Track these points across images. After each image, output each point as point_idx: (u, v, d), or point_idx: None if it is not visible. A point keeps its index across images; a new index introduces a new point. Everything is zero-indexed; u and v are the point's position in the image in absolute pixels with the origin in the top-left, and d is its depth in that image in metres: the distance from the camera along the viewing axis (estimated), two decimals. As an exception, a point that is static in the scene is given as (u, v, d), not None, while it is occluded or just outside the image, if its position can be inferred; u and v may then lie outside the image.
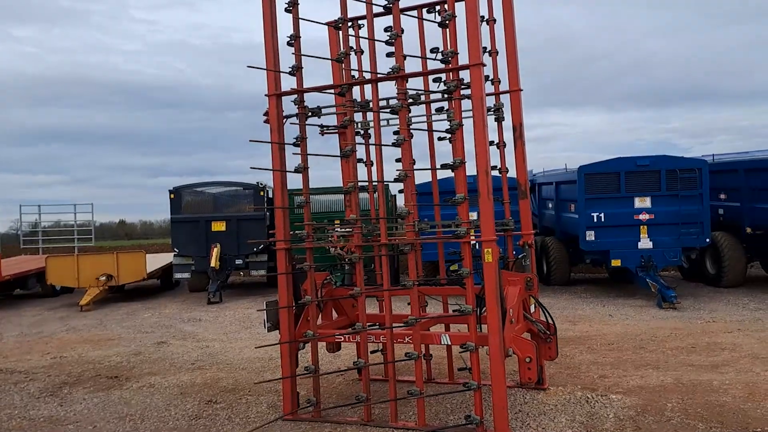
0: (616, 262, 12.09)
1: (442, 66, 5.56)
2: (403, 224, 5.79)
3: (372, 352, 7.11)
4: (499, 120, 6.57)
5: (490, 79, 6.66)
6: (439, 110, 6.68)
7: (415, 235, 5.56)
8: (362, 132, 7.01)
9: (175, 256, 16.62)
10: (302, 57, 5.99)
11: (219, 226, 16.39)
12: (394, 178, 5.73)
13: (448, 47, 5.65)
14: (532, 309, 6.35)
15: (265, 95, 6.06)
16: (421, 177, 7.08)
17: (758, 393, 5.98)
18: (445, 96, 5.89)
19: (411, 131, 5.90)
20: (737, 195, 13.08)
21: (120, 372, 8.30)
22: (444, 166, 5.53)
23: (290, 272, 6.05)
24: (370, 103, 6.06)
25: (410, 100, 5.82)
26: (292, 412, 5.93)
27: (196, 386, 7.38)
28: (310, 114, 6.16)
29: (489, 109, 6.45)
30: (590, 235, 12.06)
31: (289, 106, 6.17)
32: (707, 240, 12.08)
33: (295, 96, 6.05)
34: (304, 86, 5.97)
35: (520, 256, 6.35)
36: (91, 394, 7.26)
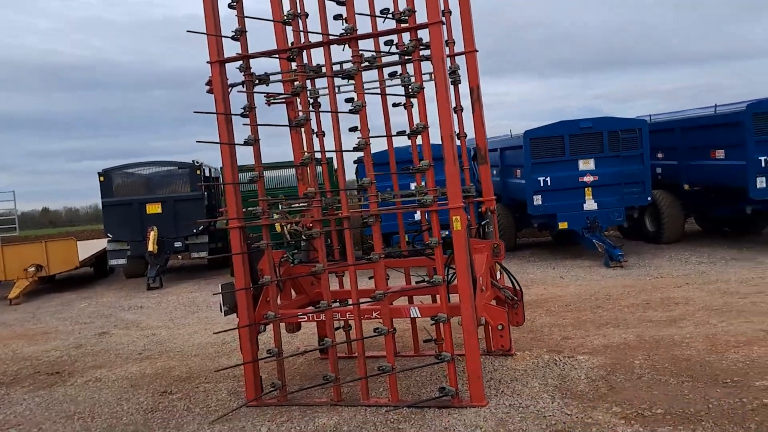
0: (563, 225, 12.21)
1: (398, 26, 5.28)
2: (361, 197, 5.52)
3: (336, 328, 6.90)
4: (456, 83, 6.34)
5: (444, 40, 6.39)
6: (393, 75, 6.41)
7: (378, 205, 5.31)
8: (311, 101, 6.66)
9: (109, 241, 15.79)
10: (246, 20, 5.58)
11: (154, 208, 15.64)
12: (354, 147, 5.44)
13: (405, 5, 5.34)
14: (498, 275, 6.25)
15: (207, 62, 5.62)
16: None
17: (719, 345, 6.09)
18: (404, 58, 5.62)
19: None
20: (674, 153, 13.41)
21: (61, 367, 7.76)
22: (411, 132, 5.28)
23: (246, 252, 5.70)
24: (322, 68, 5.73)
25: (366, 64, 5.52)
26: (256, 397, 5.63)
27: (147, 377, 6.95)
28: (257, 81, 5.77)
29: (455, 71, 6.21)
30: (537, 200, 12.12)
31: (233, 74, 5.77)
32: (648, 198, 12.35)
33: (241, 62, 5.64)
34: (249, 52, 5.56)
35: (483, 223, 6.20)
36: (32, 393, 6.73)
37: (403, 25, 5.28)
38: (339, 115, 5.31)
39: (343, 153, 5.42)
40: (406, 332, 7.05)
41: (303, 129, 5.59)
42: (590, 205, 12.23)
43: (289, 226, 6.37)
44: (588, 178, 12.18)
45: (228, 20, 5.64)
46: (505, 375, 5.78)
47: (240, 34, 5.57)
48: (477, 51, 6.32)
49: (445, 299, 5.18)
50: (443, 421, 4.86)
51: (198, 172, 15.86)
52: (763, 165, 10.79)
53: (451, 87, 6.44)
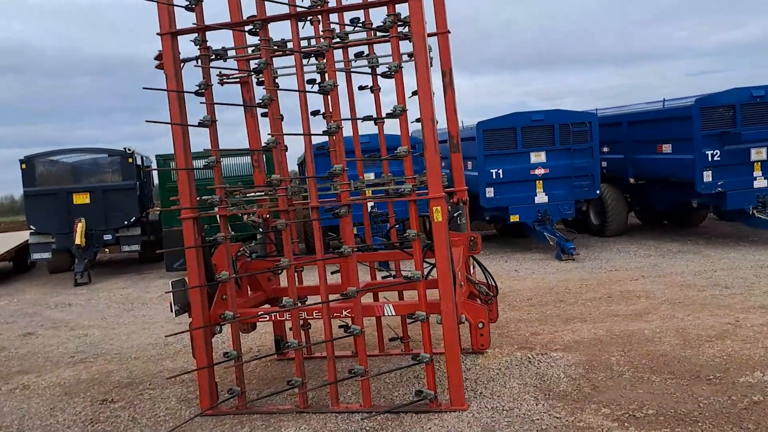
0: (514, 218, 12.08)
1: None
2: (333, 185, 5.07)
3: (291, 329, 6.42)
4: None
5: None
6: (359, 55, 5.97)
7: (350, 195, 4.88)
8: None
9: (31, 234, 14.61)
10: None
11: (82, 199, 14.57)
12: (324, 131, 4.98)
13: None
14: (471, 269, 5.93)
15: (158, 34, 5.02)
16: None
17: (691, 339, 5.99)
18: (377, 36, 5.20)
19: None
20: (620, 147, 13.53)
21: (-19, 375, 6.94)
22: (389, 115, 4.86)
23: (200, 245, 5.14)
24: (288, 44, 5.24)
25: (336, 40, 5.06)
26: (212, 406, 5.10)
27: (82, 383, 6.28)
28: (214, 56, 5.21)
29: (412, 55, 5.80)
30: (490, 192, 11.94)
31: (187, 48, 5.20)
32: (597, 192, 12.39)
33: (196, 35, 5.07)
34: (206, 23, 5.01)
35: (455, 214, 5.86)
36: (-53, 406, 5.94)
37: (379, -2, 4.84)
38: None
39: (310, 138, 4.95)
40: (367, 329, 6.64)
41: (268, 110, 5.05)
42: (541, 198, 12.15)
43: (245, 217, 5.85)
44: (539, 171, 12.09)
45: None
46: (480, 375, 5.47)
47: (195, 4, 5.00)
48: (449, 32, 5.96)
49: (424, 296, 4.80)
50: (423, 427, 4.50)
51: (130, 160, 14.89)
52: (710, 159, 10.96)
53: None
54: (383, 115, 6.11)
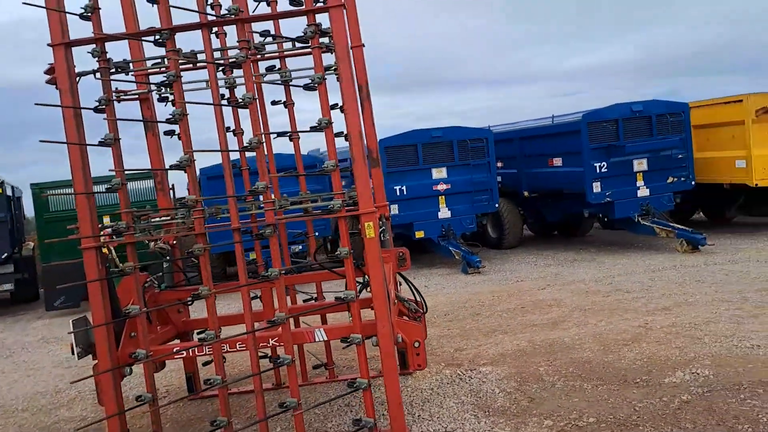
0: (419, 234, 12.12)
1: (293, 9, 4.59)
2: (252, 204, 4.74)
3: (204, 364, 5.95)
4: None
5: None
6: (271, 68, 5.70)
7: (277, 213, 4.56)
8: (170, 97, 5.73)
9: None
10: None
11: (-56, 234, 13.04)
12: (243, 147, 4.66)
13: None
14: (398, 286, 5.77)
15: (49, 45, 4.49)
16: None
17: (609, 344, 6.15)
18: (295, 45, 4.96)
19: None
20: (514, 162, 14.01)
21: None
22: (312, 129, 4.60)
23: (104, 278, 4.61)
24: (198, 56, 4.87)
25: (253, 51, 4.76)
26: (125, 457, 4.54)
27: (-40, 447, 5.45)
28: (114, 69, 4.73)
29: (330, 68, 5.60)
30: (394, 209, 11.89)
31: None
32: (496, 205, 12.71)
33: (94, 46, 4.58)
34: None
35: (380, 231, 5.67)
36: None
37: (299, 7, 4.60)
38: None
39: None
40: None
41: (179, 126, 4.63)
42: (444, 213, 12.28)
43: (152, 244, 5.35)
44: (441, 186, 12.23)
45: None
46: (414, 397, 5.30)
47: (93, 11, 4.52)
48: (364, 45, 5.82)
49: (358, 317, 4.56)
50: (366, 458, 4.23)
51: (0, 191, 13.52)
52: (598, 171, 11.56)
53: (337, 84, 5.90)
54: (298, 129, 5.89)
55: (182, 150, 5.81)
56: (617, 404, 4.65)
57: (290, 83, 5.67)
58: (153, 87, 5.57)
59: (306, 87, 4.78)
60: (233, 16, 4.52)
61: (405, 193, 11.95)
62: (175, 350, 4.85)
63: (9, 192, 14.30)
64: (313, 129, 4.76)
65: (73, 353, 4.65)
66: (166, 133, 5.81)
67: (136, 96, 5.70)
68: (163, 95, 5.71)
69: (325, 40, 4.83)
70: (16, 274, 13.73)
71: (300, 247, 13.51)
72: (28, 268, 15.01)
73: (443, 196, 12.22)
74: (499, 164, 14.34)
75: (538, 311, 7.83)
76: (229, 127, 5.15)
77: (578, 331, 6.72)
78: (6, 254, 13.34)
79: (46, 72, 4.83)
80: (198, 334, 6.14)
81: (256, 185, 4.53)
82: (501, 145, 13.95)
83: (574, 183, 12.03)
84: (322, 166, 4.55)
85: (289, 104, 5.89)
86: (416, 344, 4.82)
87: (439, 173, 12.20)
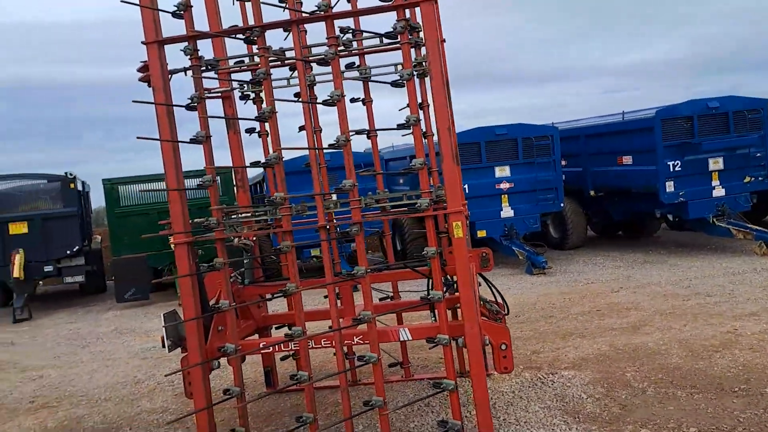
0: (481, 233, 11.95)
1: (383, 4, 4.54)
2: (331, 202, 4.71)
3: (282, 359, 5.99)
4: (424, 76, 5.70)
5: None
6: (350, 66, 5.67)
7: (361, 212, 4.53)
8: (252, 95, 5.78)
9: (-38, 268, 13.42)
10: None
11: (19, 228, 13.55)
12: (329, 144, 4.64)
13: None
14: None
15: (143, 42, 4.56)
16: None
17: (698, 350, 5.90)
18: (383, 42, 4.92)
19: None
20: (578, 160, 13.68)
21: (-75, 429, 6.13)
22: (400, 126, 4.57)
23: (195, 273, 4.67)
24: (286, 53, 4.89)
25: (341, 47, 4.73)
26: (213, 451, 4.59)
27: (50, 433, 5.62)
28: (206, 67, 4.79)
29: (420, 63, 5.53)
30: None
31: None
32: (561, 204, 12.44)
33: (186, 44, 4.63)
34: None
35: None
36: None
37: (388, 3, 4.55)
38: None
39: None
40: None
41: (269, 123, 4.64)
42: (507, 212, 12.09)
43: (236, 240, 5.40)
44: (504, 185, 12.04)
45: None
46: (496, 399, 5.19)
47: (184, 10, 4.57)
48: (445, 41, 5.73)
49: (445, 318, 4.49)
50: (455, 461, 4.16)
51: (72, 186, 13.98)
52: (671, 169, 11.17)
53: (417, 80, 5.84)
54: (379, 126, 5.88)
55: (263, 148, 5.93)
56: (718, 414, 4.44)
57: (370, 80, 5.63)
58: (235, 85, 5.61)
59: (394, 84, 4.74)
60: (322, 13, 4.50)
61: (467, 191, 11.74)
62: (261, 345, 4.87)
63: (80, 187, 14.79)
64: (401, 126, 4.72)
65: (163, 346, 4.72)
66: (248, 130, 5.90)
67: (219, 94, 5.76)
68: (245, 93, 5.78)
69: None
70: (87, 266, 14.19)
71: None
72: (97, 261, 15.53)
73: (506, 195, 12.03)
74: (563, 162, 14.04)
75: (616, 314, 7.60)
76: (302, 127, 5.19)
77: (662, 336, 6.48)
78: (77, 247, 13.77)
79: (139, 70, 4.91)
80: (276, 329, 6.21)
81: (342, 183, 4.51)
82: (565, 143, 13.64)
83: (645, 182, 11.65)
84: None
85: (367, 102, 5.87)
86: (503, 347, 4.71)
87: (501, 171, 12.01)
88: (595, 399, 4.96)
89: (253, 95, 5.79)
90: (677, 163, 11.19)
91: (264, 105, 4.60)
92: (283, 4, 4.56)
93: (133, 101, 4.38)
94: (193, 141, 4.65)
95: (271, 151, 4.60)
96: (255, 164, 5.35)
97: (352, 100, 5.89)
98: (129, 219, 13.33)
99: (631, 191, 12.43)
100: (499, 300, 5.53)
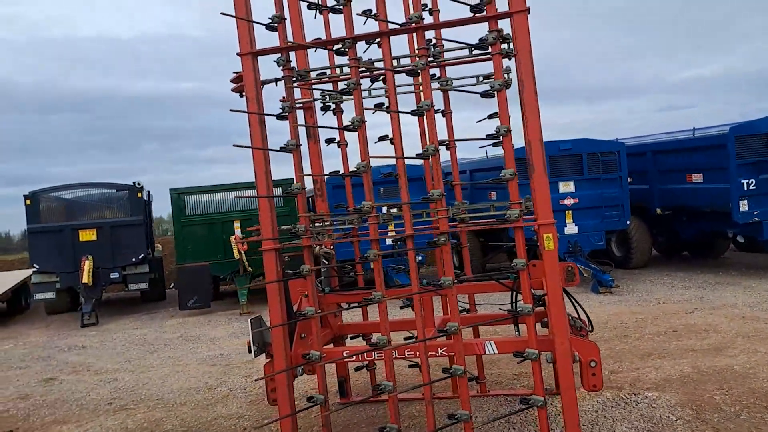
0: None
1: (475, 15, 4.55)
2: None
3: (356, 370, 5.98)
4: (507, 87, 5.67)
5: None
6: (431, 77, 5.67)
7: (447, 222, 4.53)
8: (332, 106, 5.84)
9: (34, 273, 13.95)
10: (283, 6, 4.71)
11: (88, 235, 14.04)
12: (417, 154, 4.66)
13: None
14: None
15: (238, 54, 4.68)
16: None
17: (790, 374, 5.65)
18: (473, 53, 4.92)
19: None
20: (644, 177, 13.36)
21: (13, 424, 6.35)
22: (489, 137, 4.57)
23: (281, 279, 4.72)
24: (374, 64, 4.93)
25: (431, 58, 4.75)
26: (297, 458, 4.61)
27: (131, 435, 5.74)
28: (297, 77, 4.88)
29: (489, 76, 5.52)
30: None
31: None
32: (627, 222, 12.17)
33: (279, 55, 4.73)
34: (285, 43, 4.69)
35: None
36: (-16, 462, 5.37)
37: (479, 14, 4.55)
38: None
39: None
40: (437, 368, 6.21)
41: (358, 133, 4.69)
42: (571, 228, 11.89)
43: (318, 248, 5.44)
44: (568, 201, 11.85)
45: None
46: (580, 418, 5.04)
47: (278, 22, 4.68)
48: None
49: (534, 332, 4.42)
50: (545, 479, 4.06)
51: (139, 195, 14.43)
52: (745, 188, 10.81)
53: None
54: (459, 138, 5.87)
55: (342, 158, 5.99)
56: (822, 442, 4.23)
57: (458, 91, 5.62)
58: (317, 95, 5.69)
59: (484, 94, 4.73)
60: (413, 24, 4.54)
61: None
62: (344, 354, 4.88)
63: (145, 197, 15.25)
64: (489, 137, 4.73)
65: (250, 351, 4.78)
66: (327, 140, 5.97)
67: (301, 105, 5.85)
68: (326, 104, 5.85)
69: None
70: (150, 273, 14.57)
71: (419, 257, 13.54)
72: (158, 269, 15.94)
73: (570, 211, 11.83)
74: (629, 179, 13.74)
75: (694, 336, 7.34)
76: (386, 136, 5.22)
77: (748, 359, 6.22)
78: (143, 255, 14.16)
79: (233, 81, 5.04)
80: (351, 338, 6.23)
81: (431, 193, 4.52)
82: (630, 159, 13.36)
83: (717, 200, 11.29)
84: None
85: (447, 113, 5.87)
86: (592, 363, 4.61)
87: (566, 187, 11.83)
88: (685, 421, 4.79)
89: (333, 106, 5.86)
90: (752, 182, 10.82)
91: (354, 114, 4.65)
92: (369, 17, 4.63)
93: (231, 110, 4.48)
94: (283, 149, 4.73)
95: (359, 160, 4.62)
96: (334, 174, 5.43)
97: (440, 113, 5.91)
98: (193, 228, 13.64)
99: (700, 210, 12.06)
100: (583, 316, 5.40)
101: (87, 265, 13.30)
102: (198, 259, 13.30)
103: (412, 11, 4.57)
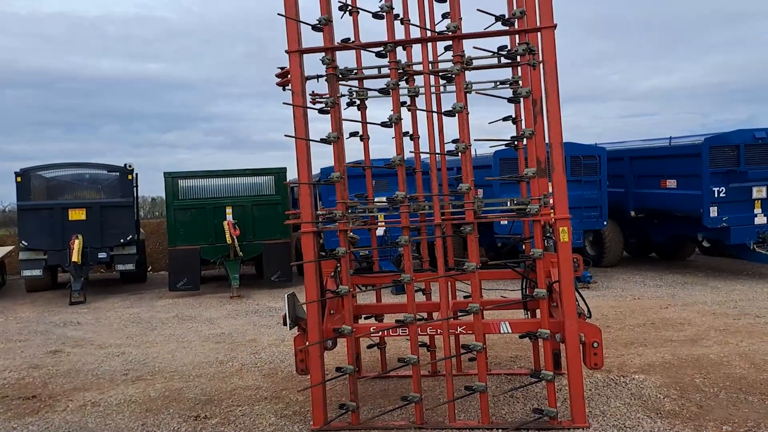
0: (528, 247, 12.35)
1: (506, 28, 5.05)
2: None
3: (369, 346, 6.43)
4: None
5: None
6: (451, 79, 6.16)
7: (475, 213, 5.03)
8: (357, 102, 6.27)
9: (22, 250, 13.99)
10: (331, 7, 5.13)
11: (78, 215, 14.11)
12: (448, 151, 5.14)
13: (514, 7, 5.14)
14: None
15: (286, 51, 5.08)
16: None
17: (759, 363, 6.31)
18: (502, 61, 5.41)
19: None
20: (621, 181, 14.10)
21: (33, 390, 6.64)
22: (514, 138, 5.08)
23: (317, 260, 5.16)
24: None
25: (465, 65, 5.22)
26: (326, 422, 5.06)
27: (157, 401, 6.09)
28: (340, 76, 5.30)
29: (516, 81, 6.02)
30: (505, 222, 12.21)
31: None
32: (605, 223, 12.87)
33: (324, 54, 5.15)
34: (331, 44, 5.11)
35: (546, 236, 6.06)
36: (19, 421, 5.67)
37: (511, 27, 5.05)
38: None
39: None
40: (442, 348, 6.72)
41: (394, 128, 5.14)
42: (551, 227, 12.49)
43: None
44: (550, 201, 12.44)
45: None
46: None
47: (325, 24, 5.10)
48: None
49: (547, 314, 4.96)
50: (554, 443, 4.60)
51: (129, 177, 14.56)
52: (716, 195, 11.59)
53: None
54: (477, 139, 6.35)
55: (364, 152, 6.41)
56: (791, 417, 4.86)
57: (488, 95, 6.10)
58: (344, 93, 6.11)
59: (511, 100, 5.23)
60: (451, 33, 5.01)
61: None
62: (372, 329, 5.35)
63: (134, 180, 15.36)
64: (514, 138, 5.24)
65: (285, 324, 5.21)
66: (351, 134, 6.40)
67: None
68: (353, 99, 6.27)
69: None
70: (136, 255, 14.72)
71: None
72: (143, 251, 16.08)
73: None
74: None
75: (671, 328, 8.01)
76: (407, 132, 5.69)
77: (721, 349, 6.89)
78: (130, 236, 14.31)
79: (278, 75, 5.43)
80: (365, 318, 6.68)
81: (459, 186, 5.01)
82: (608, 164, 14.08)
83: (689, 206, 12.06)
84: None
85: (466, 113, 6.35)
86: (595, 344, 5.16)
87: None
88: (672, 399, 5.39)
89: (358, 102, 6.28)
90: (722, 190, 11.61)
91: (392, 112, 5.10)
92: (411, 24, 5.09)
93: (284, 103, 4.89)
94: (323, 141, 5.16)
95: (395, 153, 5.07)
96: (355, 163, 5.86)
97: (446, 114, 6.39)
98: (186, 212, 13.86)
99: (673, 214, 12.83)
100: (581, 304, 5.95)
101: (77, 244, 13.41)
102: (190, 243, 13.55)
103: (427, 21, 5.05)
